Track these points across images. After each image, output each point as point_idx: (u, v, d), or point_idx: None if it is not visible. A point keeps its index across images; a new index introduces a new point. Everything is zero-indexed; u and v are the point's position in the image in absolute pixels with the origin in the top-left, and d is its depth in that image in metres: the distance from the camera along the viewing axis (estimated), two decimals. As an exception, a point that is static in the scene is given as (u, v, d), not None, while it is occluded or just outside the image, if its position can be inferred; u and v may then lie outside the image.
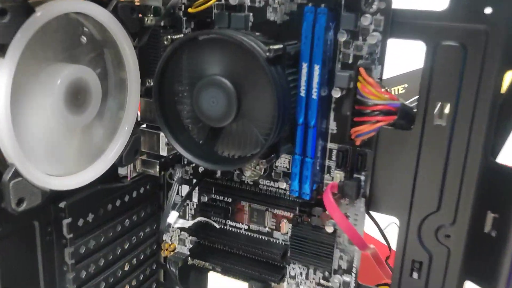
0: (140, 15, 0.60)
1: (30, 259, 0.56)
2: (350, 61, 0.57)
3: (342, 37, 0.56)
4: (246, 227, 0.71)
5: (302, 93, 0.55)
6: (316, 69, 0.54)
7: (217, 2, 0.61)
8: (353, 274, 0.65)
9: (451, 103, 0.54)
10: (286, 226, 0.67)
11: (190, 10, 0.61)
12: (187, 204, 0.74)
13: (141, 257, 0.74)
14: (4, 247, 0.52)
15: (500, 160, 0.55)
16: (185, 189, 0.73)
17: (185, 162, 0.72)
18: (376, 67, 0.56)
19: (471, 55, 0.51)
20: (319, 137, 0.59)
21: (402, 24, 0.54)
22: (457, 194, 0.56)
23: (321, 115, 0.57)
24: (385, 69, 0.57)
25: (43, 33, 0.49)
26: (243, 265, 0.69)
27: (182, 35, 0.56)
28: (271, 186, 0.67)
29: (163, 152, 0.67)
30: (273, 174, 0.66)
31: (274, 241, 0.70)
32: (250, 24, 0.60)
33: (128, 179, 0.67)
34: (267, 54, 0.50)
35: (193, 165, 0.71)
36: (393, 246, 0.63)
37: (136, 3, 0.60)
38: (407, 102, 0.56)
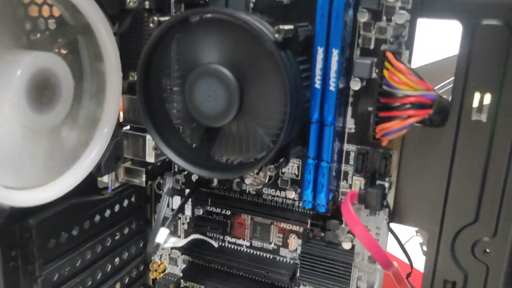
0: None
1: (-10, 290, 0.52)
2: (372, 46, 0.52)
3: (363, 17, 0.50)
4: (248, 244, 0.68)
5: (317, 84, 0.50)
6: (335, 54, 0.49)
7: (212, -22, 0.57)
8: (375, 297, 0.62)
9: (492, 93, 0.49)
10: (295, 242, 0.64)
11: None
12: (179, 218, 0.70)
13: (126, 281, 0.70)
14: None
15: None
16: (176, 200, 0.69)
17: (176, 170, 0.68)
18: (404, 52, 0.51)
19: None
20: (336, 137, 0.54)
21: (434, 0, 0.49)
22: (498, 203, 0.52)
23: (338, 111, 0.53)
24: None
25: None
26: (245, 288, 0.67)
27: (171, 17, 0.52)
28: (277, 196, 0.63)
29: (150, 158, 0.63)
30: (279, 181, 0.62)
31: (281, 260, 0.66)
32: (251, 5, 0.56)
33: (109, 190, 0.64)
34: (276, 36, 0.45)
35: (186, 173, 0.67)
36: (415, 262, 0.61)
37: (116, -19, 0.56)
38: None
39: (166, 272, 0.73)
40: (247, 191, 0.64)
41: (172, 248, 0.71)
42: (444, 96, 0.50)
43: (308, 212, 0.60)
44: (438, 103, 0.48)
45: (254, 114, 0.50)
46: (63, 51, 0.53)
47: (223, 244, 0.68)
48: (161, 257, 0.73)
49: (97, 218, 0.62)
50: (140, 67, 0.51)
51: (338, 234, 0.59)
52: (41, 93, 0.50)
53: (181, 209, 0.68)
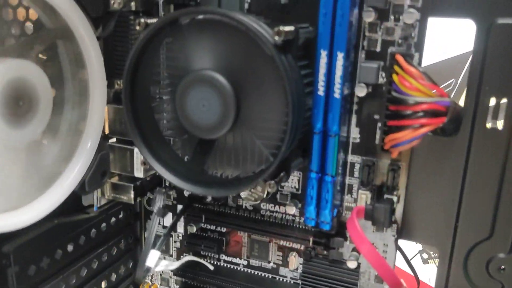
0: None
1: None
2: (378, 48, 0.50)
3: (369, 17, 0.48)
4: (245, 263, 0.66)
5: (321, 91, 0.48)
6: (340, 58, 0.46)
7: (204, -23, 0.55)
8: (383, 319, 0.60)
9: (509, 98, 0.48)
10: (295, 261, 0.62)
11: None
12: (171, 236, 0.68)
13: (115, 305, 0.68)
14: None
15: None
16: (168, 217, 0.67)
17: (168, 185, 0.66)
18: (413, 55, 0.49)
19: None
20: (340, 148, 0.52)
21: None
22: None
23: (342, 120, 0.51)
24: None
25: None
26: (242, 311, 0.65)
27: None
28: (276, 212, 0.61)
29: (139, 173, 0.61)
30: (278, 196, 0.60)
31: (281, 280, 0.65)
32: (246, 5, 0.54)
33: (95, 208, 0.62)
34: (276, 38, 0.43)
35: (177, 188, 0.65)
36: (421, 276, 0.61)
37: (99, -19, 0.55)
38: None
39: None
40: (243, 207, 0.63)
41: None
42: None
43: (310, 228, 0.59)
44: (453, 110, 0.46)
45: (252, 125, 0.48)
46: (41, 58, 0.51)
47: (219, 264, 0.67)
48: (152, 278, 0.71)
49: (82, 239, 0.60)
50: (126, 74, 0.49)
51: (342, 252, 0.58)
52: (16, 105, 0.48)
53: (173, 227, 0.66)
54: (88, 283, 0.61)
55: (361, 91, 0.50)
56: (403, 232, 0.56)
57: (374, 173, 0.54)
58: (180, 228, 0.67)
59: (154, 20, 0.48)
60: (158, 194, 0.63)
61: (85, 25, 0.52)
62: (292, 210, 0.58)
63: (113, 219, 0.64)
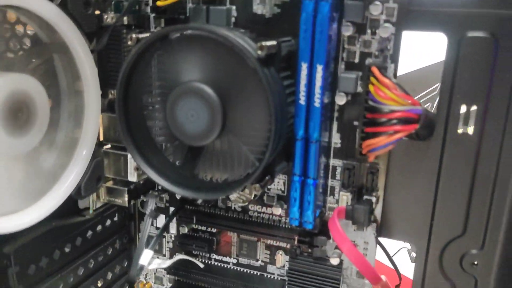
0: (97, 12, 0.55)
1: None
2: (356, 60, 0.52)
3: (347, 31, 0.50)
4: (235, 261, 0.67)
5: (302, 100, 0.49)
6: (319, 70, 0.48)
7: (192, -6, 0.56)
8: (364, 312, 0.61)
9: (478, 105, 0.49)
10: (282, 259, 0.63)
11: (159, 3, 0.55)
12: (164, 237, 0.69)
13: (111, 302, 0.68)
14: None
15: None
16: (161, 218, 0.68)
17: (160, 188, 0.66)
18: (389, 66, 0.50)
19: (504, 47, 0.47)
20: (322, 153, 0.53)
21: (420, 13, 0.49)
22: (486, 215, 0.52)
23: (323, 127, 0.52)
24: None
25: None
26: (232, 307, 0.66)
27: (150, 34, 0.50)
28: (264, 213, 0.62)
29: (132, 177, 0.61)
30: (265, 198, 0.61)
31: (269, 277, 0.65)
32: (233, 19, 0.55)
33: (91, 211, 0.62)
34: (259, 52, 0.44)
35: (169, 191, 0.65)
36: (403, 271, 0.60)
37: (92, -3, 0.55)
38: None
39: None
40: (232, 208, 0.63)
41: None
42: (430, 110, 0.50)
43: (295, 228, 0.59)
44: (424, 118, 0.47)
45: (238, 132, 0.49)
46: (38, 71, 0.52)
47: (210, 262, 0.67)
48: (146, 276, 0.72)
49: (79, 240, 0.60)
50: (119, 85, 0.50)
51: (325, 250, 0.59)
52: (15, 116, 0.48)
53: (165, 228, 0.66)
54: (85, 282, 0.62)
55: (341, 99, 0.51)
56: (383, 230, 0.57)
57: (354, 176, 0.55)
58: (173, 229, 0.67)
59: (145, 35, 0.49)
60: (150, 197, 0.64)
61: (79, 39, 0.53)
62: (278, 211, 0.59)
63: (108, 221, 0.65)
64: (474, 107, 0.49)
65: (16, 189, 0.51)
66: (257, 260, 0.65)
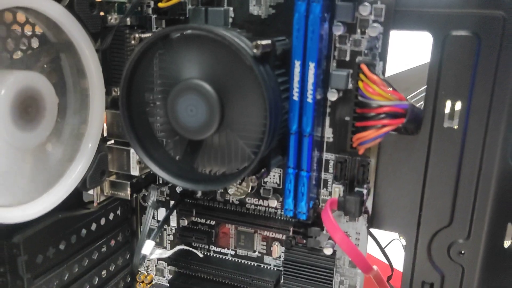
0: (101, 13, 0.56)
1: (-21, 306, 0.51)
2: (347, 58, 0.53)
3: (338, 31, 0.51)
4: (233, 253, 0.68)
5: (295, 96, 0.50)
6: (311, 67, 0.49)
7: (191, -4, 0.57)
8: (356, 301, 0.61)
9: (463, 101, 0.50)
10: (278, 250, 0.64)
11: (160, 5, 0.56)
12: (165, 229, 0.70)
13: (114, 293, 0.69)
14: None
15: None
16: (161, 212, 0.69)
17: (161, 182, 0.68)
18: (378, 63, 0.52)
19: (486, 45, 0.48)
20: (315, 147, 0.54)
21: (406, 13, 0.50)
22: (471, 206, 0.53)
23: (316, 122, 0.53)
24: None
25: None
26: (231, 296, 0.66)
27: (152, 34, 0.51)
28: (260, 205, 0.63)
29: (135, 171, 0.62)
30: (261, 191, 0.62)
31: (265, 267, 0.66)
32: (230, 20, 0.57)
33: (95, 204, 0.63)
34: (254, 51, 0.46)
35: (170, 184, 0.67)
36: (395, 264, 0.61)
37: (97, -1, 0.56)
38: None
39: (153, 283, 0.73)
40: (230, 201, 0.64)
41: (158, 259, 0.71)
42: (417, 105, 0.51)
43: (290, 220, 0.61)
44: (411, 112, 0.49)
45: (235, 127, 0.50)
46: (46, 69, 0.53)
47: (209, 254, 0.68)
48: (147, 268, 0.73)
49: (84, 232, 0.61)
50: (122, 82, 0.51)
51: (319, 241, 0.59)
52: (25, 111, 0.49)
53: (166, 220, 0.67)
54: (90, 272, 0.63)
55: (332, 96, 0.52)
56: (374, 221, 0.58)
57: (346, 169, 0.56)
58: (173, 222, 0.68)
59: (147, 35, 0.50)
60: (152, 189, 0.64)
61: (85, 39, 0.53)
62: (274, 203, 0.60)
63: (111, 214, 0.66)
64: (458, 103, 0.50)
65: (26, 181, 0.52)
66: (254, 251, 0.66)
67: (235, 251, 0.67)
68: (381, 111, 0.49)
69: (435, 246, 0.56)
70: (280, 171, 0.60)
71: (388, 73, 0.53)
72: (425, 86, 0.52)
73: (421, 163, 0.54)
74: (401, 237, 0.96)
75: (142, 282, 0.73)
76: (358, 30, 0.51)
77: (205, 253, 0.68)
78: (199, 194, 0.66)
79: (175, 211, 0.67)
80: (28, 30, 0.51)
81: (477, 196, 0.52)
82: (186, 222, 0.66)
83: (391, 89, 0.49)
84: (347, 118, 0.54)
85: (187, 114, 0.50)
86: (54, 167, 0.55)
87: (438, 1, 0.49)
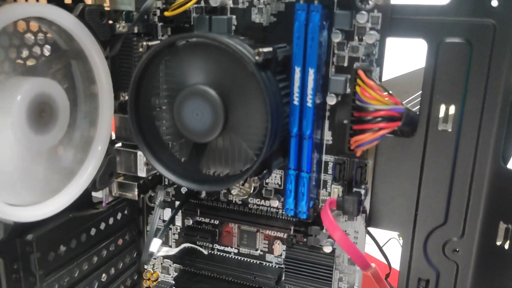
0: (110, 22, 0.57)
1: (-5, 301, 0.52)
2: (345, 64, 0.54)
3: (337, 38, 0.52)
4: (236, 251, 0.68)
5: (296, 101, 0.52)
6: (311, 73, 0.50)
7: (196, 5, 0.58)
8: (355, 297, 0.62)
9: (456, 105, 0.51)
10: (279, 248, 0.65)
11: (166, 13, 0.57)
12: (170, 229, 0.70)
13: (121, 290, 0.70)
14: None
15: (512, 166, 0.53)
16: (167, 212, 0.70)
17: (167, 183, 0.68)
18: (375, 69, 0.53)
19: (478, 52, 0.49)
20: (314, 149, 0.55)
21: (401, 21, 0.51)
22: (465, 205, 0.54)
23: (316, 125, 0.54)
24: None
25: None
26: (234, 293, 0.66)
27: (159, 41, 0.53)
28: (262, 205, 0.64)
29: (142, 173, 0.63)
30: (263, 191, 0.63)
31: (267, 265, 0.67)
32: (233, 27, 0.58)
33: (104, 204, 0.64)
34: (256, 58, 0.47)
35: (175, 186, 0.68)
36: (393, 262, 0.61)
37: (106, 8, 0.56)
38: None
39: (159, 280, 0.73)
40: (233, 201, 0.65)
41: (164, 258, 0.71)
42: (412, 109, 0.52)
43: (291, 219, 0.62)
44: (406, 116, 0.50)
45: (238, 130, 0.51)
46: (58, 75, 0.54)
47: (213, 252, 0.69)
48: (153, 266, 0.73)
49: (93, 231, 0.62)
50: (131, 88, 0.52)
51: (319, 239, 0.60)
52: (39, 116, 0.50)
53: (172, 220, 0.68)
54: (99, 270, 0.64)
55: (331, 100, 0.53)
56: (371, 220, 0.58)
57: (345, 170, 0.57)
58: (178, 222, 0.69)
59: (154, 43, 0.51)
60: (159, 190, 0.66)
61: (95, 47, 0.54)
62: (275, 203, 0.61)
63: (119, 214, 0.67)
64: (452, 107, 0.51)
65: (39, 183, 0.53)
66: (257, 250, 0.66)
67: (238, 250, 0.68)
68: (378, 114, 0.50)
69: (430, 244, 0.56)
70: (282, 172, 0.61)
71: (385, 77, 0.54)
72: (421, 91, 0.53)
73: (417, 164, 0.54)
74: (400, 238, 0.97)
75: (149, 279, 0.74)
76: (356, 37, 0.53)
77: (209, 252, 0.69)
78: (203, 194, 0.66)
79: (180, 211, 0.68)
80: (40, 38, 0.52)
81: (471, 196, 0.53)
82: (191, 222, 0.67)
83: (387, 93, 0.50)
84: (345, 122, 0.55)
85: (193, 118, 0.51)
86: (66, 169, 0.56)
87: (432, 9, 0.50)
